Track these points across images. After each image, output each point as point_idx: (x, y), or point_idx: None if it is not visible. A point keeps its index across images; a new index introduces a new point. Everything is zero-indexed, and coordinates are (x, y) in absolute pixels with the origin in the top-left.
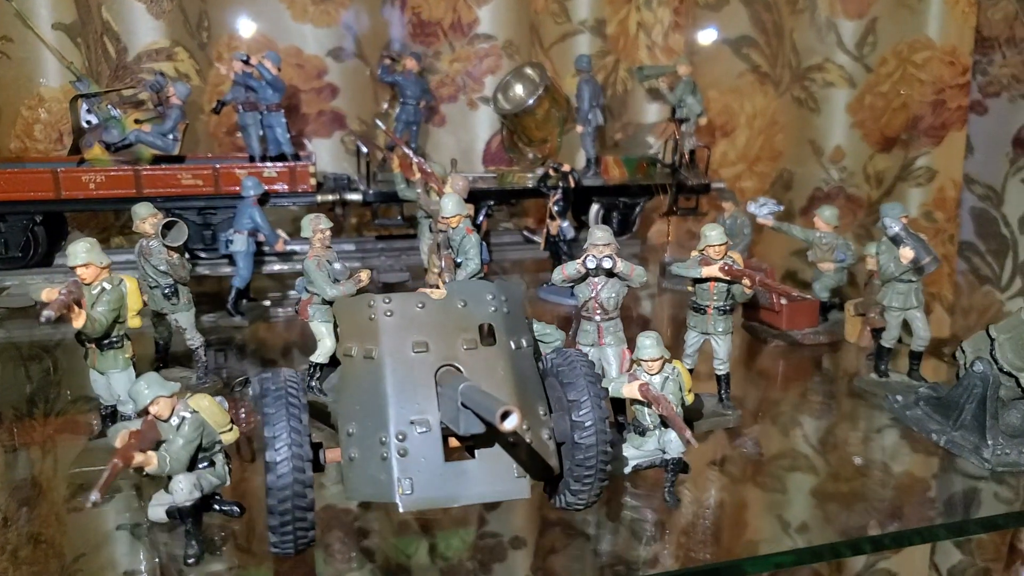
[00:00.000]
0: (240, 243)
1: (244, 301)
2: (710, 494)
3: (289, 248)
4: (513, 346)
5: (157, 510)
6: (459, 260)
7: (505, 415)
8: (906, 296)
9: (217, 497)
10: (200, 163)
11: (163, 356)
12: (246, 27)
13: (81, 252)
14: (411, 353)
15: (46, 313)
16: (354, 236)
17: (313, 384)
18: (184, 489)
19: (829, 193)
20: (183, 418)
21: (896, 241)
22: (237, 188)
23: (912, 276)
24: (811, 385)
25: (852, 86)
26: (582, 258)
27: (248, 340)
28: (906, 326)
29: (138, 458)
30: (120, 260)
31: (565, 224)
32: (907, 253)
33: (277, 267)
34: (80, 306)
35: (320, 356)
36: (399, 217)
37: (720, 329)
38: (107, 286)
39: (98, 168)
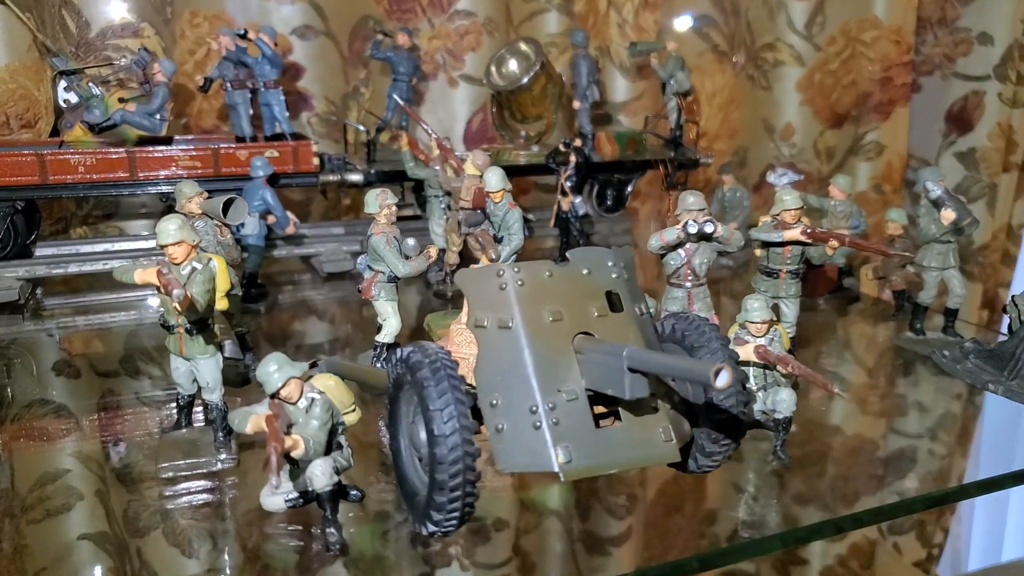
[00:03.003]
0: (252, 226)
1: (253, 289)
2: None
3: (300, 232)
4: (638, 312)
5: (275, 499)
6: (500, 235)
7: (717, 372)
8: (944, 256)
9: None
10: (199, 143)
11: None
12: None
13: (173, 230)
14: (548, 321)
15: (176, 292)
16: (346, 219)
17: (380, 366)
18: (325, 473)
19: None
20: (312, 399)
21: (938, 204)
22: (236, 169)
23: (951, 237)
24: (847, 345)
25: (801, 64)
26: (682, 223)
27: (266, 327)
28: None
29: (287, 442)
30: (85, 252)
31: (578, 200)
32: (949, 215)
33: (285, 251)
34: None
35: (387, 336)
36: (400, 197)
37: (792, 292)
38: (197, 266)
39: (89, 150)
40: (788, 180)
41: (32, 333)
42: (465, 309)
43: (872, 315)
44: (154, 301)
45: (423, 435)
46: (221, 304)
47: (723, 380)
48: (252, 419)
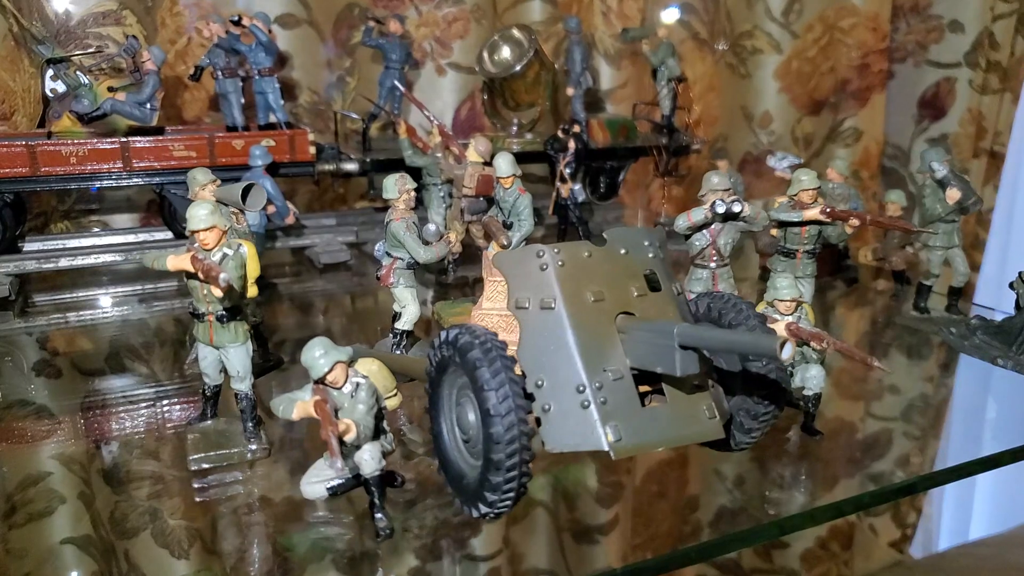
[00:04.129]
0: (251, 217)
1: None
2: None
3: (301, 223)
4: (675, 291)
5: (316, 487)
6: (510, 221)
7: (783, 345)
8: (949, 235)
9: None
10: (194, 133)
11: None
12: None
13: (204, 215)
14: (590, 301)
15: (223, 276)
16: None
17: (399, 353)
18: (374, 458)
19: (758, 157)
20: (357, 384)
21: (943, 183)
22: (232, 159)
23: (955, 216)
24: (851, 325)
25: (779, 52)
26: (709, 204)
27: (266, 319)
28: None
29: (340, 426)
30: (74, 246)
31: (576, 187)
32: (954, 194)
33: (279, 243)
34: None
35: (406, 323)
36: None
37: (808, 272)
38: (228, 251)
39: (81, 141)
40: (788, 163)
41: (22, 330)
42: (485, 295)
43: (872, 295)
44: (106, 300)
45: (471, 416)
46: (252, 291)
47: (788, 352)
48: (298, 405)
